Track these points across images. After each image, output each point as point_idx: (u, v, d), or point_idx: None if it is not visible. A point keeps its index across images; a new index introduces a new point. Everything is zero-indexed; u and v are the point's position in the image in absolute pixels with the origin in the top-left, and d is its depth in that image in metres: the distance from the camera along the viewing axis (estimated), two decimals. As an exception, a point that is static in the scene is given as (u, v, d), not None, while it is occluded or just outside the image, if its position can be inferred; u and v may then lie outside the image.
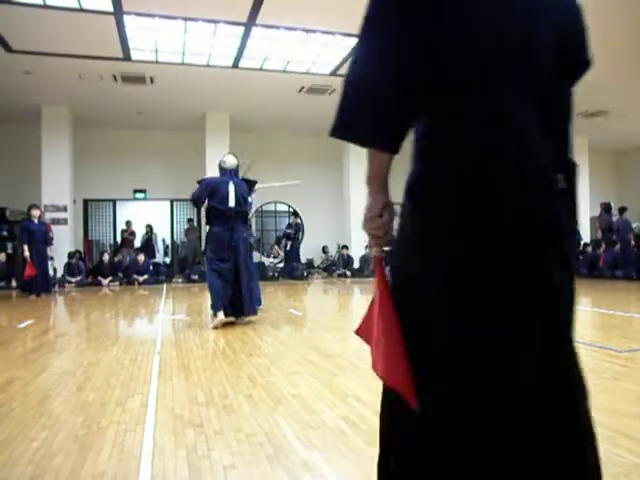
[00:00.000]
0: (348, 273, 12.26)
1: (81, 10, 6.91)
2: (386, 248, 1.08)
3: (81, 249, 12.21)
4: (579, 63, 1.12)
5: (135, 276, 11.02)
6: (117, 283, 10.91)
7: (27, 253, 9.00)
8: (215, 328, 5.03)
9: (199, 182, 5.44)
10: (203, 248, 6.36)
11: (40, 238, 9.32)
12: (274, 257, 12.28)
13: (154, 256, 12.61)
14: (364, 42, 0.99)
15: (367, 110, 0.97)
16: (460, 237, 0.96)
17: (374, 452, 2.00)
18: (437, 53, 0.96)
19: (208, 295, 5.37)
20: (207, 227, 5.48)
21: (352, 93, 0.99)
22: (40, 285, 9.11)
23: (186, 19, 7.34)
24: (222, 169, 5.42)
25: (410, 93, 0.96)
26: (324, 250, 13.40)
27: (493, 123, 0.96)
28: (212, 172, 11.67)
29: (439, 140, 1.00)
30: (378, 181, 1.05)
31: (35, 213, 9.37)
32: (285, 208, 14.43)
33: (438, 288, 0.99)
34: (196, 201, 5.35)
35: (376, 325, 1.08)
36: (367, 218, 1.06)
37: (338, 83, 10.04)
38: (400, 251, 1.07)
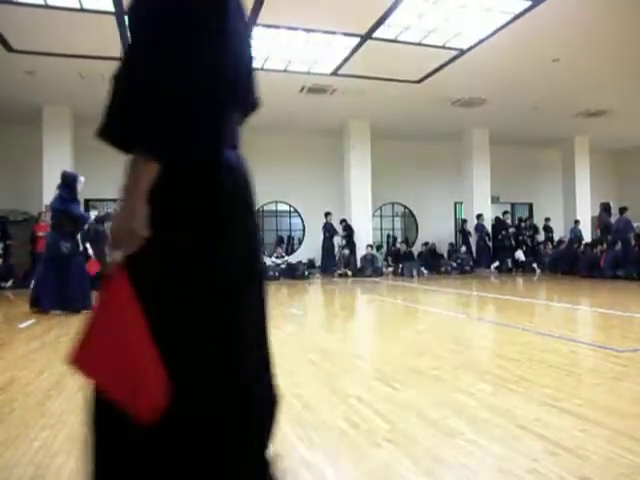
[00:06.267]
0: (349, 273, 12.26)
1: (82, 10, 6.91)
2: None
3: (82, 249, 12.22)
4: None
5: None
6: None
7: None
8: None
9: None
10: None
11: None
12: (277, 257, 12.30)
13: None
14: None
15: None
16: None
17: (375, 452, 2.02)
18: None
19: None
20: None
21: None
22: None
23: (187, 19, 7.34)
24: None
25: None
26: (325, 250, 13.38)
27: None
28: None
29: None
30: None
31: None
32: (286, 208, 14.43)
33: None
34: None
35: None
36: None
37: (339, 83, 10.05)
38: None
